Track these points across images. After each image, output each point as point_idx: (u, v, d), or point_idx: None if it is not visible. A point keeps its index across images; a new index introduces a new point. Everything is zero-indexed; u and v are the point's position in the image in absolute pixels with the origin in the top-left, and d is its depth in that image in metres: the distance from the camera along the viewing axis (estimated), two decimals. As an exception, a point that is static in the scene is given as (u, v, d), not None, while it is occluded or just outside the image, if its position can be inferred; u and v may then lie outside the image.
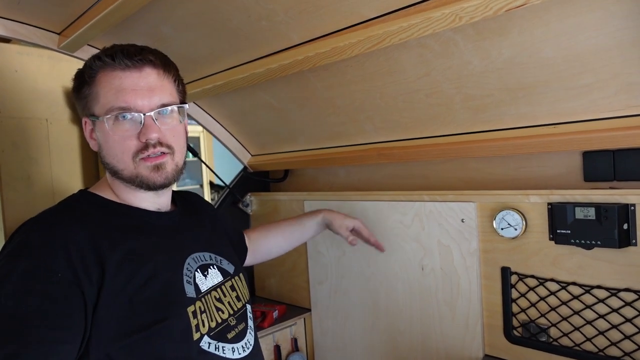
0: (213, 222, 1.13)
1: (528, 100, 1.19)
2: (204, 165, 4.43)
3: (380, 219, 1.61)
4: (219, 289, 0.95)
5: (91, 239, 0.78)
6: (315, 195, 1.84)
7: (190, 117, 1.85)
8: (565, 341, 1.23)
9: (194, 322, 0.84)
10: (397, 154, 1.52)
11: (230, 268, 1.03)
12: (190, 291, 0.86)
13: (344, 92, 1.45)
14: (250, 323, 1.00)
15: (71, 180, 2.57)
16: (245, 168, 2.07)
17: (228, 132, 1.95)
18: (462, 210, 1.40)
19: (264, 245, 1.42)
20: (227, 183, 2.04)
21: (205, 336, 0.85)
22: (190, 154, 1.34)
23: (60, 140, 2.54)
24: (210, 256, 0.99)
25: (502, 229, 1.31)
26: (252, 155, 2.05)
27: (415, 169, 1.62)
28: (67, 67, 2.55)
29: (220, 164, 4.58)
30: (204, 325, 0.86)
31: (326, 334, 1.85)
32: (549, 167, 1.30)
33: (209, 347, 0.85)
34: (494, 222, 1.32)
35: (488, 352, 1.39)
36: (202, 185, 4.59)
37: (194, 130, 4.14)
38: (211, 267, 0.96)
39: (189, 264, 0.91)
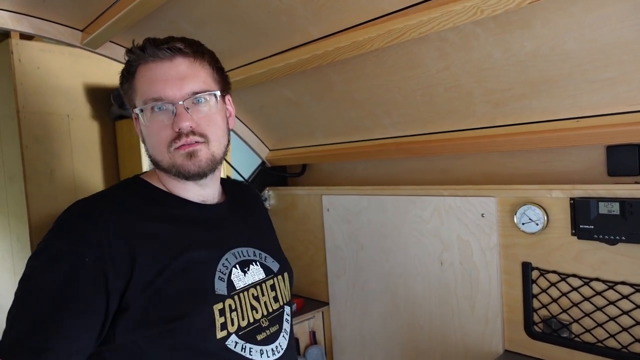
0: (262, 218, 1.11)
1: (550, 94, 1.17)
2: (221, 160, 4.46)
3: (399, 214, 1.61)
4: (258, 287, 0.91)
5: (127, 228, 0.78)
6: (333, 189, 1.84)
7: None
8: (587, 337, 1.22)
9: (220, 319, 0.82)
10: (415, 149, 1.52)
11: (275, 266, 0.98)
12: (221, 288, 0.84)
13: (363, 86, 1.45)
14: (286, 326, 0.95)
15: (92, 176, 2.62)
16: (263, 163, 2.09)
17: (247, 127, 1.96)
18: (482, 204, 1.39)
19: None
20: (245, 178, 2.06)
21: (233, 335, 0.83)
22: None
23: (81, 136, 2.58)
24: (254, 252, 0.95)
25: (523, 224, 1.30)
26: (270, 150, 2.06)
27: (435, 164, 1.61)
28: (88, 64, 2.59)
29: (237, 158, 4.60)
30: (232, 324, 0.83)
31: (344, 327, 1.86)
32: (571, 162, 1.28)
33: (235, 347, 0.82)
34: (514, 217, 1.31)
35: (508, 348, 1.39)
36: (219, 180, 4.63)
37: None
38: (253, 263, 0.93)
39: (227, 259, 0.88)
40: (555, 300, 1.27)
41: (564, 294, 1.25)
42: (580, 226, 1.19)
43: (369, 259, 1.73)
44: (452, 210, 1.46)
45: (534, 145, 1.25)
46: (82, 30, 1.51)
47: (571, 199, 1.22)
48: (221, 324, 0.82)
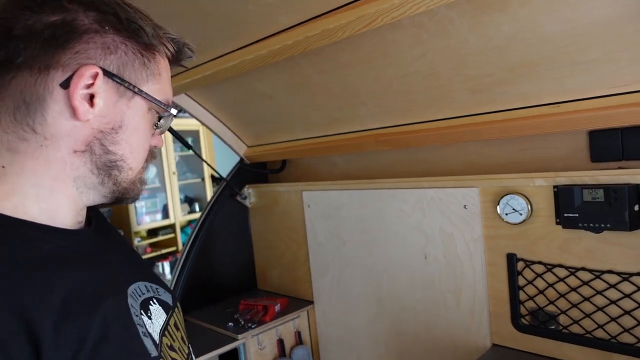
0: (117, 233, 0.79)
1: (531, 79, 1.13)
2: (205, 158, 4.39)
3: (381, 208, 1.56)
4: (167, 332, 0.66)
5: (9, 294, 0.48)
6: (314, 185, 1.79)
7: (182, 109, 1.80)
8: (575, 329, 1.19)
9: None
10: (395, 140, 1.47)
11: (168, 297, 0.73)
12: (151, 348, 0.59)
13: (338, 77, 1.39)
14: None
15: None
16: (241, 160, 2.03)
17: (222, 123, 1.90)
18: (464, 196, 1.35)
19: None
20: (223, 176, 1.99)
21: None
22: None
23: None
24: (146, 286, 0.68)
25: (506, 214, 1.26)
26: (248, 147, 2.00)
27: (415, 155, 1.56)
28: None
29: (221, 157, 4.54)
30: None
31: (330, 325, 1.81)
32: (553, 149, 1.25)
33: None
34: (497, 207, 1.27)
35: (495, 341, 1.35)
36: (203, 179, 4.56)
37: (192, 123, 4.09)
38: (151, 301, 0.66)
39: (132, 305, 0.60)
40: (541, 292, 1.24)
41: (550, 285, 1.22)
42: (565, 215, 1.15)
43: (352, 255, 1.68)
44: (434, 202, 1.42)
45: (514, 133, 1.21)
46: None
47: (554, 186, 1.18)
48: None
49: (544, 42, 1.03)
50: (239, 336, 1.62)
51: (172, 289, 1.90)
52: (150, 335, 0.61)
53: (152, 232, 4.20)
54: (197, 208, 4.51)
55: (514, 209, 1.24)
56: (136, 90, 0.59)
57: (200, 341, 1.64)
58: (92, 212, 0.67)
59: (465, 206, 1.35)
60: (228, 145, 1.95)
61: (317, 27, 1.13)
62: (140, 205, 4.06)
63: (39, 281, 0.50)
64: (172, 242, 4.27)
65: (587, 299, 1.16)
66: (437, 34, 1.11)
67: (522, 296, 1.28)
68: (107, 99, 0.57)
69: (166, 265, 4.20)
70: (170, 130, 1.68)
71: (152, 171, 4.12)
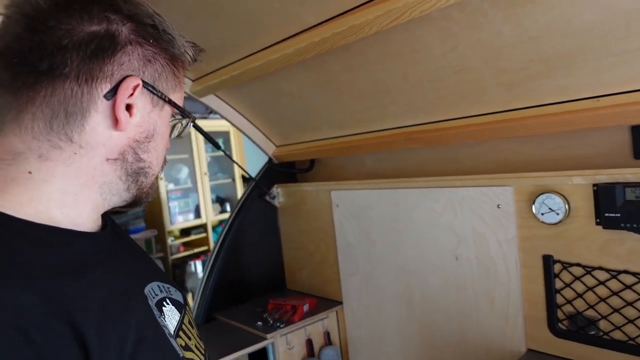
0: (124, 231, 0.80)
1: (567, 71, 1.07)
2: (234, 159, 4.44)
3: (411, 207, 1.53)
4: (181, 333, 0.66)
5: (51, 302, 0.47)
6: (343, 184, 1.77)
7: (212, 109, 1.81)
8: (617, 335, 1.13)
9: None
10: (425, 138, 1.43)
11: (179, 296, 0.73)
12: (178, 348, 0.61)
13: (366, 74, 1.37)
14: None
15: None
16: (270, 159, 2.03)
17: (250, 123, 1.90)
18: (498, 195, 1.30)
19: None
20: (252, 176, 2.00)
21: None
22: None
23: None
24: (159, 286, 0.68)
25: (542, 214, 1.21)
26: (276, 146, 2.00)
27: (446, 153, 1.52)
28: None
29: (252, 157, 4.57)
30: None
31: (359, 327, 1.79)
32: (593, 145, 1.18)
33: None
34: (533, 206, 1.22)
35: (531, 346, 1.30)
36: (234, 180, 4.61)
37: (223, 124, 4.14)
38: (164, 302, 0.66)
39: (152, 306, 0.62)
40: (580, 295, 1.18)
41: (590, 289, 1.16)
42: (605, 214, 1.09)
43: (381, 256, 1.66)
44: (465, 201, 1.38)
45: (550, 129, 1.16)
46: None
47: (594, 185, 1.12)
48: None
49: (581, 32, 0.98)
50: (268, 335, 1.62)
51: (202, 288, 1.93)
52: (172, 336, 0.61)
53: (185, 232, 4.27)
54: (228, 208, 4.56)
55: (550, 209, 1.19)
56: (167, 99, 0.61)
57: (230, 340, 1.64)
58: (105, 214, 0.67)
59: (498, 205, 1.30)
60: (257, 144, 1.96)
61: (344, 24, 1.12)
62: (174, 205, 4.13)
63: (77, 287, 0.51)
64: (204, 241, 4.33)
65: (630, 303, 1.10)
66: (468, 26, 1.07)
67: (560, 300, 1.22)
68: (143, 109, 0.59)
69: (198, 264, 4.27)
70: (201, 131, 1.71)
71: (184, 172, 4.19)
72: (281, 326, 1.66)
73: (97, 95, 0.55)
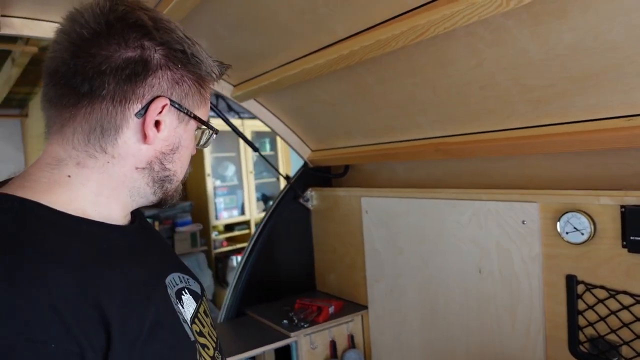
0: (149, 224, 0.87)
1: (597, 90, 1.05)
2: (280, 159, 4.55)
3: (439, 218, 1.54)
4: (196, 320, 0.72)
5: (83, 286, 0.54)
6: (373, 191, 1.80)
7: (251, 114, 1.89)
8: (639, 362, 1.09)
9: None
10: (454, 150, 1.44)
11: (197, 287, 0.79)
12: (190, 333, 0.67)
13: (397, 86, 1.40)
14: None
15: None
16: (305, 163, 2.09)
17: (288, 127, 1.97)
18: (523, 210, 1.29)
19: None
20: (291, 178, 2.07)
21: None
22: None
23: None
24: (179, 277, 0.75)
25: (567, 232, 1.19)
26: (312, 151, 2.06)
27: (475, 166, 1.52)
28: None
29: (297, 158, 4.66)
30: None
31: (383, 332, 1.81)
32: (623, 165, 1.15)
33: None
34: (557, 224, 1.20)
35: (551, 367, 1.28)
36: (279, 179, 4.72)
37: (270, 125, 4.24)
38: (183, 292, 0.73)
39: (170, 294, 0.69)
40: (603, 319, 1.15)
41: (613, 312, 1.13)
42: (632, 238, 1.06)
43: (407, 265, 1.67)
44: (491, 215, 1.37)
45: (578, 147, 1.14)
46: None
47: (622, 206, 1.09)
48: None
49: (610, 50, 0.96)
50: (292, 334, 1.68)
51: (235, 283, 2.01)
52: (187, 322, 0.68)
53: (229, 227, 4.42)
54: (271, 206, 4.68)
55: (575, 228, 1.17)
56: (192, 115, 0.68)
57: (256, 335, 1.72)
58: (136, 210, 0.75)
59: (523, 221, 1.29)
60: (293, 148, 2.02)
61: (372, 38, 1.15)
62: (220, 201, 4.29)
63: (106, 274, 0.59)
64: (247, 237, 4.46)
65: (654, 331, 1.06)
66: (494, 43, 1.08)
67: (582, 321, 1.19)
68: (170, 125, 0.65)
69: (239, 260, 4.41)
70: (240, 134, 1.80)
71: (230, 169, 4.34)
72: (305, 326, 1.71)
73: (129, 114, 0.62)
